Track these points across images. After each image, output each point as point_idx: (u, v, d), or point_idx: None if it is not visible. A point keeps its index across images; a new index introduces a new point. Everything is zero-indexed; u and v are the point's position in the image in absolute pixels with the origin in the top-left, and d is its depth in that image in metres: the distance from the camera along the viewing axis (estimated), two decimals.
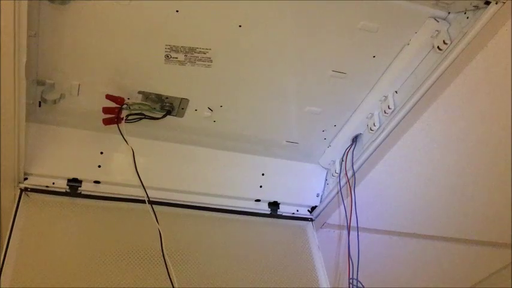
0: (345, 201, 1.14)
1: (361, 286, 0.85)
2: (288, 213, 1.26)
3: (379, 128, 1.05)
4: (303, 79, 1.03)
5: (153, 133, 1.15)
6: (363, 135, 1.13)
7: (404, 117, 0.99)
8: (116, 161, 1.14)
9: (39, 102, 1.02)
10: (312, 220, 1.27)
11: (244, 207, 1.23)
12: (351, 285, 0.85)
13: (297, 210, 1.27)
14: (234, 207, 1.22)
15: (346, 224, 1.20)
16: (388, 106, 1.02)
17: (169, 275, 0.90)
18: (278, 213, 1.25)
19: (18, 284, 0.93)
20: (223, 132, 1.17)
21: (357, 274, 0.88)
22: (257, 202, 1.25)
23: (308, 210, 1.28)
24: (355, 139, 1.15)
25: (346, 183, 1.14)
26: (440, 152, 1.06)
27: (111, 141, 1.12)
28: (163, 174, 1.17)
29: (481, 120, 0.99)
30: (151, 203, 1.05)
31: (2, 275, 0.93)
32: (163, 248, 0.93)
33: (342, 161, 1.18)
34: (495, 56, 0.86)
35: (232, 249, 1.16)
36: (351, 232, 1.13)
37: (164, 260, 0.91)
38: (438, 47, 0.91)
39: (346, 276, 0.96)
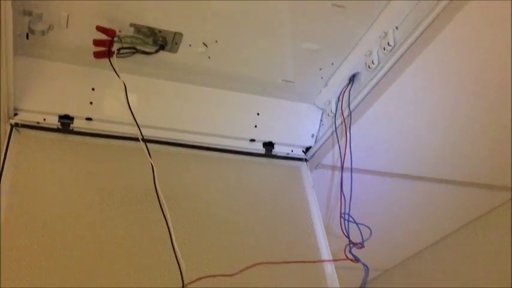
0: (339, 142, 1.13)
1: (352, 221, 0.85)
2: (282, 153, 1.26)
3: (377, 65, 1.03)
4: (302, 12, 0.99)
5: (145, 70, 1.12)
6: (361, 74, 1.10)
7: (404, 54, 0.96)
8: (108, 98, 1.12)
9: (27, 34, 0.98)
10: (306, 160, 1.27)
11: (239, 147, 1.23)
12: (342, 220, 0.85)
13: (292, 151, 1.27)
14: (228, 146, 1.22)
15: (340, 164, 1.21)
16: (388, 43, 0.99)
17: (162, 212, 0.90)
18: (273, 153, 1.25)
19: (11, 219, 0.93)
20: (218, 70, 1.14)
21: (349, 210, 0.88)
22: (252, 142, 1.24)
23: (303, 151, 1.28)
24: (352, 78, 1.13)
25: (341, 123, 1.13)
26: (438, 92, 1.04)
27: (103, 77, 1.09)
28: (156, 112, 1.15)
29: (484, 59, 0.97)
30: (145, 140, 1.04)
31: None
32: (156, 184, 0.92)
33: (338, 100, 1.16)
34: None
35: (226, 188, 1.17)
36: (345, 173, 1.13)
37: (157, 195, 0.90)
38: None
39: (337, 214, 0.96)
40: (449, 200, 1.40)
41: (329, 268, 1.06)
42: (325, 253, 1.08)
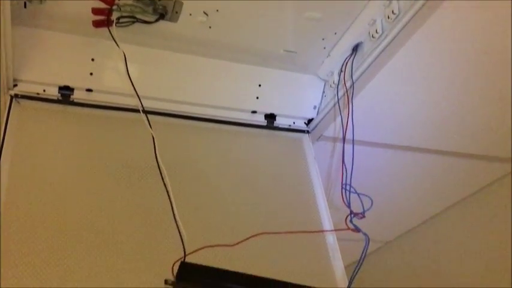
0: (342, 113, 1.12)
1: (353, 191, 0.85)
2: (284, 125, 1.25)
3: (381, 35, 1.01)
4: None
5: (146, 40, 1.10)
6: (364, 44, 1.09)
7: (408, 22, 0.94)
8: (108, 69, 1.11)
9: (24, 2, 0.96)
10: (308, 132, 1.26)
11: (240, 119, 1.22)
12: (343, 191, 0.85)
13: (294, 123, 1.26)
14: (230, 118, 1.21)
15: (342, 135, 1.20)
16: (393, 11, 0.97)
17: (164, 182, 0.90)
18: (274, 125, 1.24)
19: (13, 189, 0.93)
20: (219, 40, 1.13)
21: (350, 180, 0.88)
22: (253, 114, 1.23)
23: (305, 123, 1.27)
24: (355, 48, 1.11)
25: (344, 94, 1.12)
26: (442, 62, 1.03)
27: (103, 47, 1.07)
28: (157, 83, 1.14)
29: (489, 28, 0.95)
30: (146, 112, 1.03)
31: None
32: (157, 155, 0.92)
33: (341, 71, 1.15)
34: None
35: (227, 160, 1.16)
36: (346, 145, 1.12)
37: (158, 166, 0.90)
38: None
39: (339, 186, 0.96)
40: (451, 172, 1.40)
41: (330, 238, 1.07)
42: (327, 224, 1.09)
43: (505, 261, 1.37)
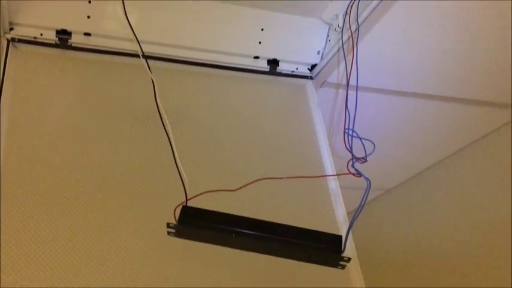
0: (346, 58, 1.10)
1: (356, 136, 0.84)
2: (287, 71, 1.23)
3: None
4: None
5: None
6: None
7: None
8: (106, 12, 1.07)
9: None
10: (311, 78, 1.24)
11: (242, 64, 1.20)
12: (345, 135, 0.84)
13: (297, 68, 1.24)
14: (232, 63, 1.19)
15: (344, 83, 1.18)
16: None
17: (164, 126, 0.88)
18: (277, 71, 1.22)
19: (13, 134, 0.93)
20: None
21: (353, 125, 0.87)
22: (256, 59, 1.20)
23: (308, 69, 1.25)
24: None
25: (348, 38, 1.09)
26: (449, 7, 0.99)
27: None
28: (156, 28, 1.11)
29: None
30: (145, 57, 1.00)
31: None
32: (157, 99, 0.90)
33: (346, 14, 1.11)
34: None
35: (229, 106, 1.15)
36: (350, 91, 1.10)
37: (158, 110, 0.88)
38: None
39: (341, 132, 0.95)
40: (453, 119, 1.38)
41: (333, 184, 1.07)
42: (330, 169, 1.09)
43: (505, 211, 1.37)
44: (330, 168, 1.08)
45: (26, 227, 0.83)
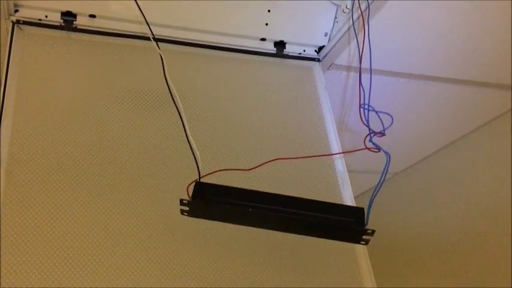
0: (357, 37, 1.08)
1: (372, 109, 0.82)
2: (294, 53, 1.21)
3: None
4: None
5: None
6: None
7: None
8: None
9: None
10: (319, 60, 1.22)
11: (249, 46, 1.18)
12: (361, 110, 0.83)
13: (304, 50, 1.22)
14: (238, 46, 1.17)
15: (354, 64, 1.17)
16: None
17: (175, 105, 0.87)
18: (284, 53, 1.21)
19: (20, 116, 0.91)
20: None
21: (369, 100, 0.85)
22: (262, 41, 1.19)
23: (315, 51, 1.23)
24: None
25: (358, 17, 1.08)
26: None
27: None
28: (164, 10, 1.10)
29: None
30: (156, 39, 0.98)
31: (3, 110, 0.91)
32: (167, 78, 0.88)
33: None
34: None
35: (237, 88, 1.14)
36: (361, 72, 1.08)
37: (169, 89, 0.87)
38: None
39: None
40: (462, 101, 1.37)
41: (340, 167, 1.06)
42: (336, 150, 1.08)
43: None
44: (336, 149, 1.08)
45: (38, 206, 0.82)
